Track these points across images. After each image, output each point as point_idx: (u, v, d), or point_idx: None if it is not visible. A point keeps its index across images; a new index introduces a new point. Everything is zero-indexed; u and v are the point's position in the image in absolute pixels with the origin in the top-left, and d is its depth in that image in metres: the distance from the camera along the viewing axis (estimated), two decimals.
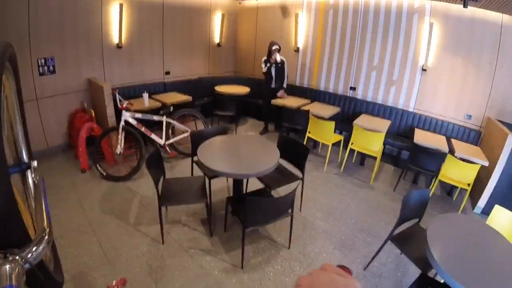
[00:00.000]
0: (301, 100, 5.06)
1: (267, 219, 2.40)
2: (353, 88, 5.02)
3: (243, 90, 5.34)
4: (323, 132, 4.09)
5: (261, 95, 5.25)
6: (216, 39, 6.02)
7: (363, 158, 4.44)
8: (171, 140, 3.86)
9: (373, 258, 2.45)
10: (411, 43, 4.31)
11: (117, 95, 3.61)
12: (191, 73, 5.59)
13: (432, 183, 3.61)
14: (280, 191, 3.15)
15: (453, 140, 3.84)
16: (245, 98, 5.49)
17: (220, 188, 3.45)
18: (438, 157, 3.43)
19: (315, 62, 5.41)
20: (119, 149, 3.44)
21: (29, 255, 0.63)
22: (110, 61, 4.38)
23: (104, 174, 3.39)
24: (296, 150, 3.02)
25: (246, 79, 6.06)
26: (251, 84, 5.74)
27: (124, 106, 3.53)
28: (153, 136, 3.76)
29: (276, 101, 4.88)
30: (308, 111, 4.47)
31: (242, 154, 2.74)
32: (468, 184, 3.23)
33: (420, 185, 4.01)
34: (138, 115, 3.63)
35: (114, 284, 2.04)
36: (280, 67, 4.78)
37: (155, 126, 3.95)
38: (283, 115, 4.83)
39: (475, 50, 3.84)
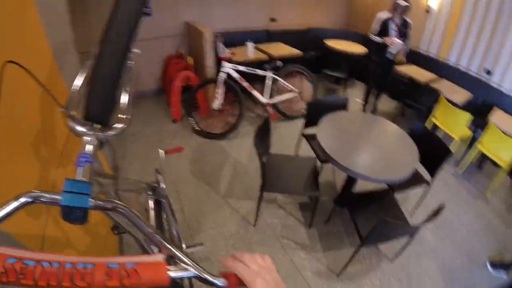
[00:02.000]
0: (426, 73, 4.10)
1: (389, 239, 1.99)
2: (488, 72, 3.89)
3: (358, 48, 4.45)
4: (453, 122, 3.30)
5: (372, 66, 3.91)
6: None
7: (482, 160, 3.60)
8: (276, 100, 3.40)
9: None
10: None
11: (220, 43, 3.18)
12: (298, 22, 4.74)
13: None
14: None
15: None
16: (359, 58, 4.60)
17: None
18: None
19: (449, 27, 4.24)
20: (216, 103, 3.11)
21: (107, 134, 0.71)
22: (210, 3, 3.81)
23: (197, 128, 3.15)
24: (433, 148, 2.31)
25: (361, 36, 4.97)
26: (366, 43, 4.77)
27: (226, 56, 3.12)
28: (255, 93, 3.34)
29: (401, 69, 3.97)
30: (437, 91, 3.63)
31: (374, 147, 2.18)
32: None
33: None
34: (241, 68, 3.19)
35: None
36: (404, 31, 3.58)
37: (257, 82, 3.50)
38: (405, 89, 3.98)
39: None
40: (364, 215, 1.99)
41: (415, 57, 4.44)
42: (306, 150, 2.61)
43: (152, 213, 1.23)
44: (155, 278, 0.45)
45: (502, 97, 3.74)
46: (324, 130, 2.11)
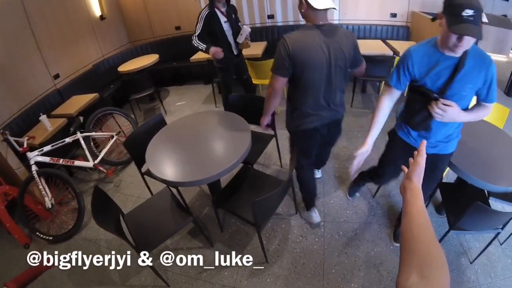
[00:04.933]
0: None
1: (276, 207, 2.10)
2: (271, 16, 4.53)
3: (151, 59, 4.39)
4: (263, 73, 3.65)
5: (223, 78, 3.25)
6: (98, 12, 4.59)
7: None
8: (101, 156, 2.98)
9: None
10: None
11: (11, 139, 2.62)
12: (81, 65, 4.19)
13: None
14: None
15: (388, 41, 3.85)
16: (157, 67, 4.58)
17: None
18: (384, 62, 3.39)
19: None
20: (47, 201, 2.54)
21: None
22: None
23: (51, 238, 2.51)
24: (256, 102, 2.41)
25: (149, 45, 5.03)
26: (157, 49, 4.82)
27: (25, 147, 2.62)
28: (78, 163, 2.86)
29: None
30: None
31: (209, 144, 2.12)
32: None
33: (369, 92, 4.06)
34: (47, 148, 2.70)
35: None
36: (235, 17, 2.96)
37: (74, 148, 3.06)
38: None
39: None
40: (241, 200, 2.01)
41: None
42: (158, 183, 2.40)
43: None
44: None
45: (287, 30, 4.44)
46: (156, 160, 1.92)
